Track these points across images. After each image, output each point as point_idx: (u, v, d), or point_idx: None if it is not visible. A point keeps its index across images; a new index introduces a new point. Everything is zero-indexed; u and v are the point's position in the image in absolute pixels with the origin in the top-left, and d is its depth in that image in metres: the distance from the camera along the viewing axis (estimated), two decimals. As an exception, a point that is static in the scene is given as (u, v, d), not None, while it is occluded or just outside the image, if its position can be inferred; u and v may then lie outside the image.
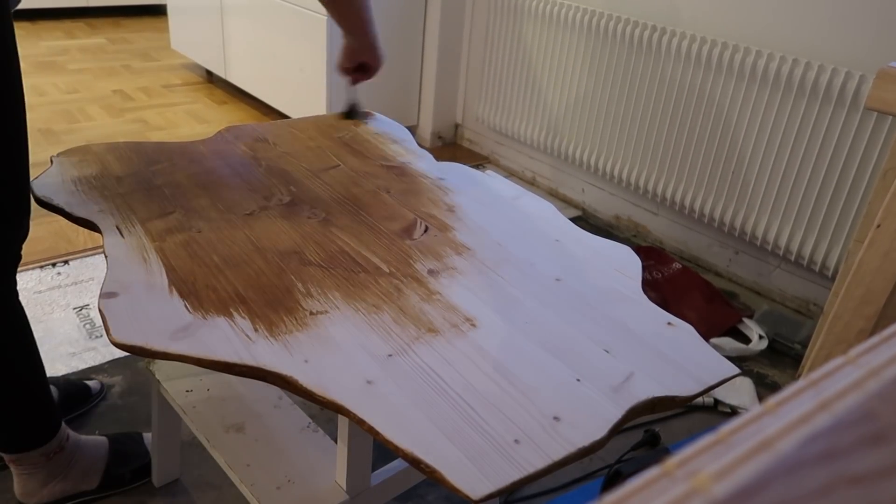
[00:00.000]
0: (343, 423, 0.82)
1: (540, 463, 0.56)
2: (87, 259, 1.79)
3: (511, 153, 2.54)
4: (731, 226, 1.84)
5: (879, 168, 1.51)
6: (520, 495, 1.20)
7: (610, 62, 2.02)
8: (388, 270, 0.81)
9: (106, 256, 0.78)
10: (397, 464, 0.93)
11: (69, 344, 1.49)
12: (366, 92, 2.50)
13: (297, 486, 0.87)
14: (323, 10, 2.29)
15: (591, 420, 0.61)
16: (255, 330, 0.68)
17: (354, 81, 1.22)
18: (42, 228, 1.90)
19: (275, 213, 0.91)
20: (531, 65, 2.27)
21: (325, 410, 1.33)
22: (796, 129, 1.65)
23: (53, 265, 1.75)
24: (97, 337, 1.51)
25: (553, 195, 2.41)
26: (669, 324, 0.76)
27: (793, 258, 1.74)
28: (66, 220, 0.88)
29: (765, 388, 1.53)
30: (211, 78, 3.26)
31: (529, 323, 0.74)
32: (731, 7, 1.77)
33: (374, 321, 0.71)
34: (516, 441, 0.58)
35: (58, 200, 0.88)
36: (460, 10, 2.51)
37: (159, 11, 4.30)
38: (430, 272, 0.81)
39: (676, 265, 1.90)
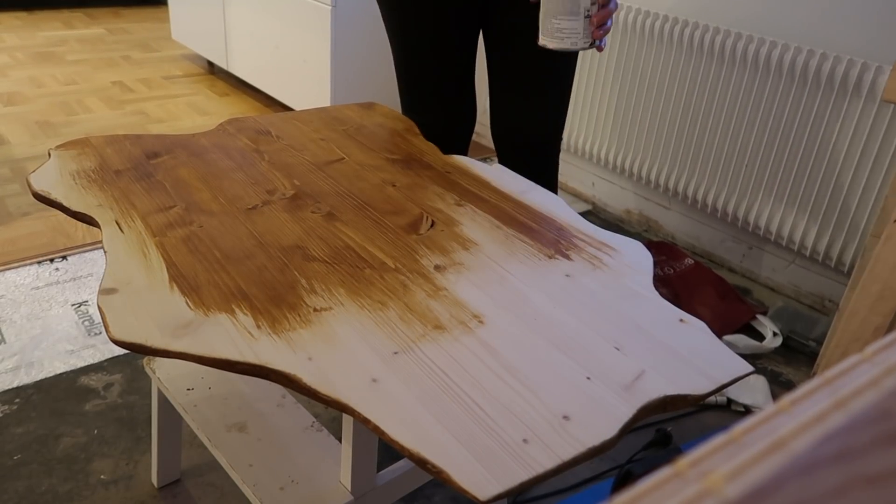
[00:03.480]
0: (348, 422, 0.81)
1: (549, 463, 0.55)
2: (86, 254, 1.77)
3: (515, 146, 2.52)
4: (745, 220, 1.82)
5: None
6: (529, 496, 1.19)
7: (619, 54, 2.00)
8: (393, 266, 0.79)
9: (105, 252, 0.77)
10: (403, 464, 0.92)
11: (67, 341, 1.47)
12: (368, 82, 2.49)
13: (300, 487, 0.86)
14: (327, 0, 2.27)
15: (601, 419, 0.60)
16: (258, 327, 0.67)
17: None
18: (40, 223, 1.88)
19: (278, 207, 0.90)
20: (535, 57, 2.25)
21: (329, 409, 1.32)
22: (811, 122, 1.63)
23: (51, 261, 1.73)
24: (96, 334, 1.50)
25: (562, 189, 2.39)
26: (682, 321, 0.75)
27: (808, 253, 1.72)
28: (65, 215, 0.87)
29: (779, 386, 1.52)
30: (212, 69, 3.24)
31: (538, 319, 0.72)
32: (740, -2, 1.75)
33: (380, 318, 0.70)
34: (525, 440, 0.57)
35: (56, 194, 0.88)
36: None
37: (159, 1, 4.29)
38: (437, 268, 0.80)
39: (689, 261, 1.88)
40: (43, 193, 0.87)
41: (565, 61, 1.22)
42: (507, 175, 1.06)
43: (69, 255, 1.76)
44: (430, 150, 1.12)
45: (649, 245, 1.95)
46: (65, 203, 0.86)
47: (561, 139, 1.32)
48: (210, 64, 3.25)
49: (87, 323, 1.53)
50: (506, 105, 1.28)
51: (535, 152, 1.28)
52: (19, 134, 2.43)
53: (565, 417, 0.60)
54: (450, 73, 1.29)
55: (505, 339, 0.69)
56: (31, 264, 1.71)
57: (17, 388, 1.34)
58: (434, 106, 1.33)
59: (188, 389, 1.01)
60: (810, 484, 0.19)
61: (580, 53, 2.08)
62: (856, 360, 0.24)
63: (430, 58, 1.27)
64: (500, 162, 1.35)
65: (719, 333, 1.61)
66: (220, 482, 1.18)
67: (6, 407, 1.30)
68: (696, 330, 0.74)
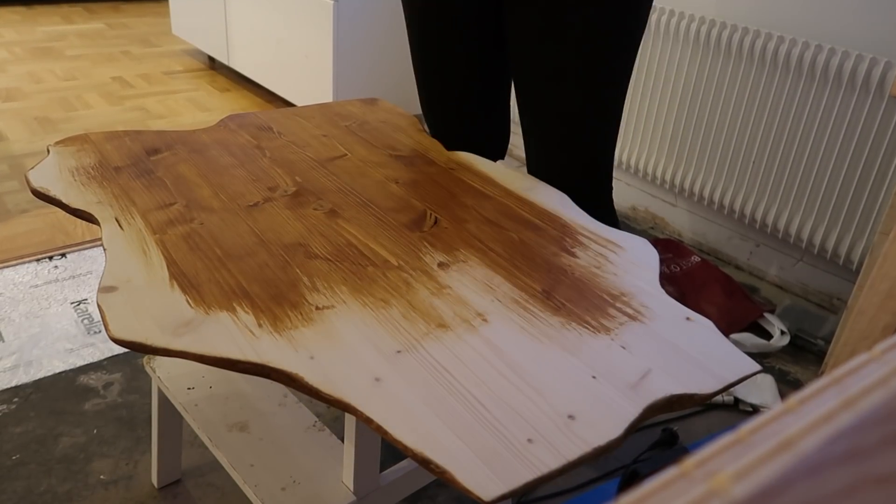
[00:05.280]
0: (350, 421, 0.81)
1: (554, 463, 0.54)
2: (86, 252, 1.76)
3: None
4: (752, 217, 1.81)
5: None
6: (533, 496, 1.18)
7: (618, 50, 1.99)
8: (396, 264, 0.78)
9: (104, 249, 0.76)
10: (406, 464, 0.91)
11: (67, 340, 1.46)
12: (370, 77, 2.48)
13: (302, 487, 0.86)
14: (326, -4, 2.26)
15: (606, 418, 0.59)
16: (259, 325, 0.67)
17: None
18: (39, 220, 1.87)
19: (279, 204, 0.89)
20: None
21: (331, 409, 1.31)
22: (819, 117, 1.62)
23: (50, 258, 1.72)
24: (96, 332, 1.49)
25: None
26: (688, 319, 0.74)
27: (816, 251, 1.71)
28: (64, 212, 0.86)
29: (787, 385, 1.51)
30: (213, 64, 3.23)
31: (543, 318, 0.71)
32: (744, -7, 1.74)
33: (383, 316, 0.70)
34: (529, 440, 0.56)
35: (55, 191, 0.87)
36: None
37: (159, -3, 4.28)
38: (440, 265, 0.79)
39: (695, 258, 1.87)
40: (42, 190, 0.87)
41: (600, 58, 0.98)
42: (511, 172, 1.05)
43: (68, 252, 1.75)
44: (433, 147, 1.11)
45: (655, 242, 1.94)
46: (64, 200, 0.85)
47: (607, 160, 1.08)
48: (211, 59, 3.24)
49: (86, 321, 1.52)
50: (530, 125, 1.11)
51: (568, 176, 1.07)
52: (18, 130, 2.42)
53: (570, 417, 0.59)
54: (474, 88, 1.17)
55: (509, 337, 0.68)
56: (29, 262, 1.70)
57: (16, 388, 1.33)
58: (455, 123, 1.23)
59: (189, 388, 1.00)
60: (818, 484, 0.19)
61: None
62: (864, 359, 0.24)
63: (451, 71, 1.16)
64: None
65: (726, 332, 1.60)
66: (220, 482, 1.17)
67: (4, 406, 1.29)
68: (702, 328, 0.73)
